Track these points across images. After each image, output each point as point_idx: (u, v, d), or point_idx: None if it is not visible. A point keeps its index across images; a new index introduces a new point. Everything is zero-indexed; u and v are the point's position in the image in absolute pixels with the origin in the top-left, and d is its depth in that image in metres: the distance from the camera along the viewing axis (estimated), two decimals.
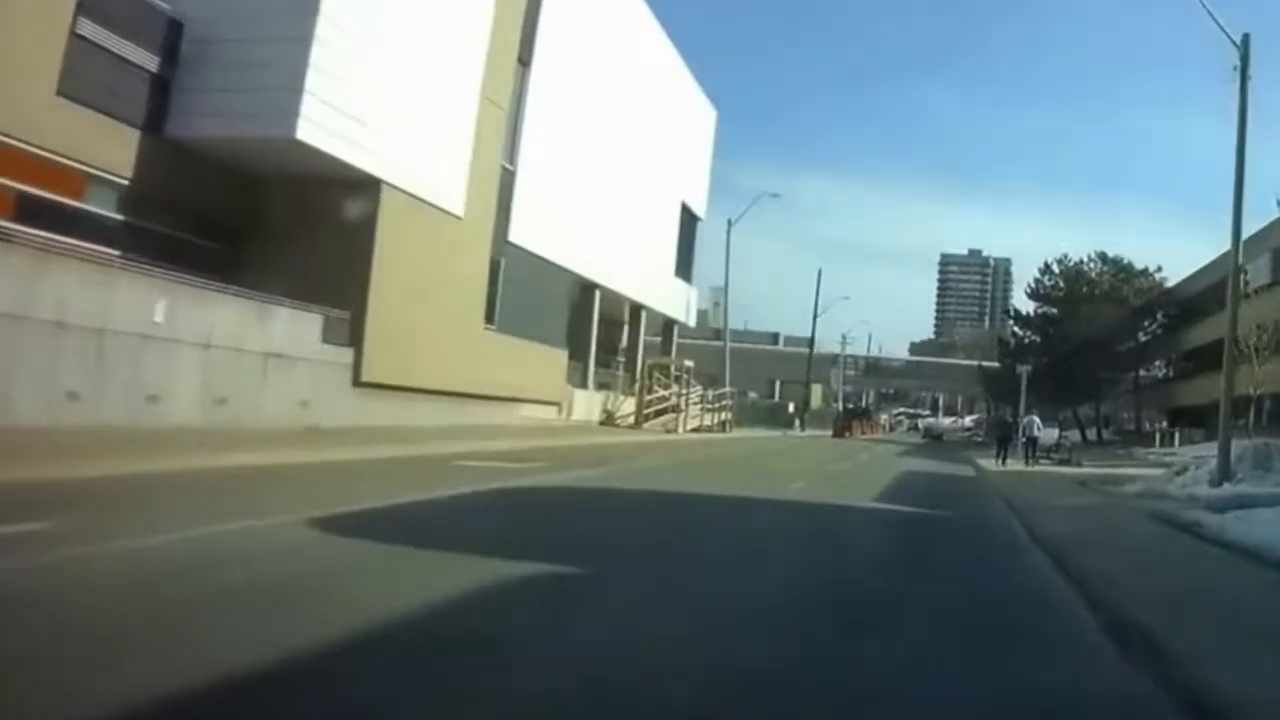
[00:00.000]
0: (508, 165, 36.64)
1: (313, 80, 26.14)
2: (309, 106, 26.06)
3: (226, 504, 12.24)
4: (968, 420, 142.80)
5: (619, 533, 12.93)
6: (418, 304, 30.66)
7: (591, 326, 46.14)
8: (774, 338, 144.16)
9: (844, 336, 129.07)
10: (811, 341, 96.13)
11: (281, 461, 18.82)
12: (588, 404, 45.97)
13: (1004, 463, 41.83)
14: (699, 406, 55.18)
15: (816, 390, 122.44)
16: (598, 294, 46.18)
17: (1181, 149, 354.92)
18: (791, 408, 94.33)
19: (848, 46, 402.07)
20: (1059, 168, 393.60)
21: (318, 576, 8.44)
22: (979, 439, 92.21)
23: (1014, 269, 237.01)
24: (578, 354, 44.94)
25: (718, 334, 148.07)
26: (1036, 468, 40.69)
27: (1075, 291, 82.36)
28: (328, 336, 27.85)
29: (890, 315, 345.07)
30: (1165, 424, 77.25)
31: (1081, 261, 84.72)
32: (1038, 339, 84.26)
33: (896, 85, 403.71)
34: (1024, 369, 49.45)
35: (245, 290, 25.53)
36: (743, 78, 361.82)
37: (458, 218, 32.72)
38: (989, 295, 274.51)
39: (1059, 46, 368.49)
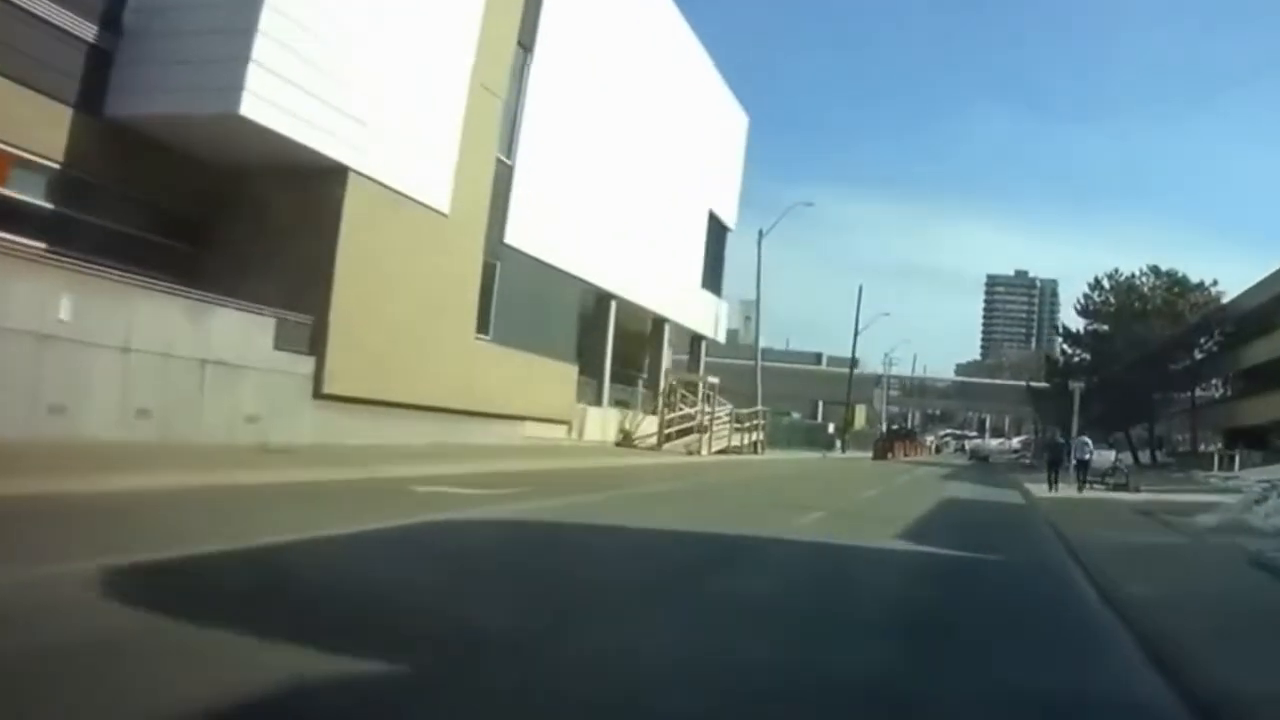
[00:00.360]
0: (505, 159, 32.69)
1: (261, 49, 22.36)
2: (256, 79, 22.26)
3: (53, 540, 9.78)
4: (1015, 442, 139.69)
5: (534, 598, 9.14)
6: (394, 309, 26.85)
7: (607, 340, 42.00)
8: (817, 358, 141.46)
9: (886, 356, 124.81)
10: (852, 359, 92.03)
11: (191, 484, 15.43)
12: (603, 423, 41.92)
13: (1055, 488, 37.58)
14: (727, 426, 50.85)
15: (861, 411, 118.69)
16: (614, 305, 42.07)
17: (1241, 170, 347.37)
18: (831, 428, 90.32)
19: (893, 70, 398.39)
20: (1109, 189, 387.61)
21: (66, 655, 5.91)
22: (1026, 461, 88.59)
23: (1061, 290, 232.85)
24: (591, 369, 40.97)
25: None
26: (1090, 494, 36.39)
27: (1127, 307, 77.74)
28: (282, 343, 24.03)
29: (937, 337, 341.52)
30: (1222, 445, 72.95)
31: (1134, 275, 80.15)
32: (1088, 357, 79.66)
33: (943, 107, 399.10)
34: (1076, 385, 44.89)
35: (178, 287, 21.79)
36: (786, 99, 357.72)
37: (442, 214, 28.81)
38: (1036, 317, 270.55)
39: (1110, 68, 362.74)
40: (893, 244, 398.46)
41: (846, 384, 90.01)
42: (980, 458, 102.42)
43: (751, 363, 67.73)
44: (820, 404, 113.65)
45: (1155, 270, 79.57)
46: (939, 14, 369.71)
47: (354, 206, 25.41)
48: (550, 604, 8.84)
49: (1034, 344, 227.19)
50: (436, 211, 28.57)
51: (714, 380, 49.71)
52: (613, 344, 42.48)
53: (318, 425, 24.76)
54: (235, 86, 22.01)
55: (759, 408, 56.96)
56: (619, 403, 44.32)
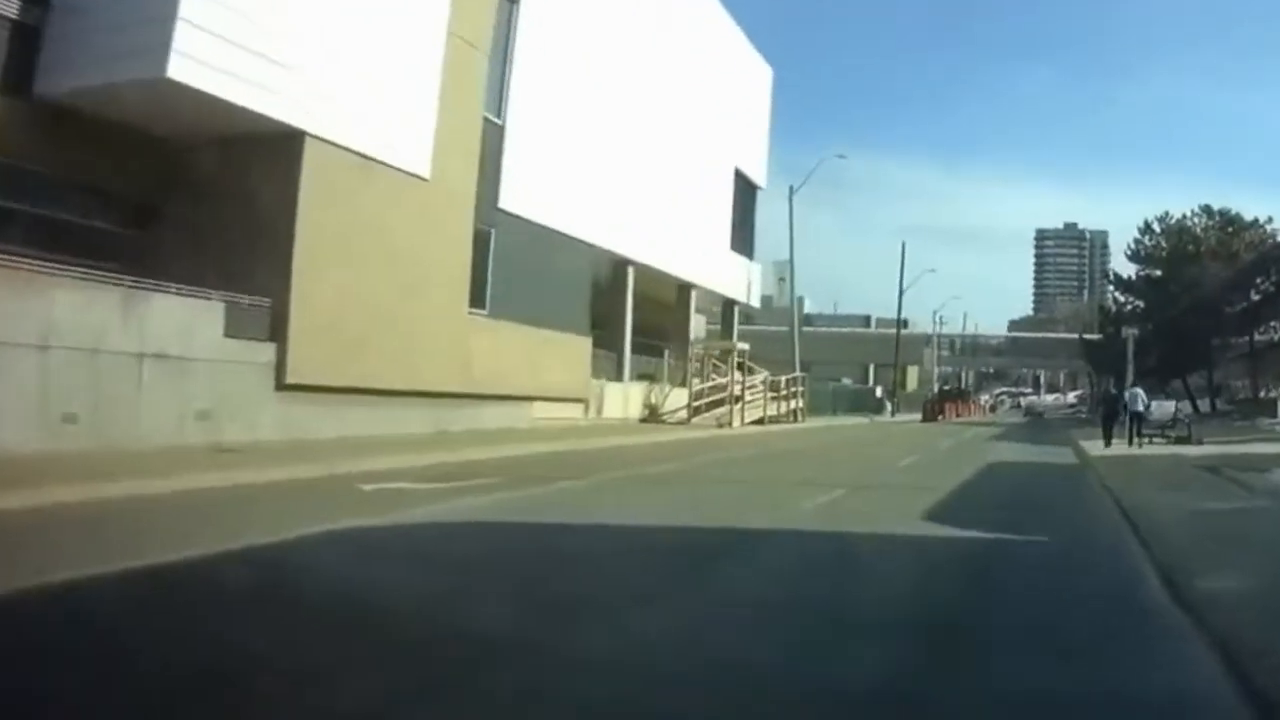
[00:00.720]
0: (494, 118, 29.77)
1: (189, 5, 19.68)
2: (185, 38, 19.56)
3: None
4: (1070, 397, 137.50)
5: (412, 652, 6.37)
6: (370, 285, 24.18)
7: (625, 309, 39.07)
8: (866, 320, 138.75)
9: (935, 314, 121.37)
10: (899, 318, 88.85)
11: (94, 497, 12.97)
12: (625, 399, 39.03)
13: (1110, 444, 34.44)
14: (763, 394, 47.55)
15: (913, 372, 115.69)
16: (631, 271, 39.07)
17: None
18: (879, 391, 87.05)
19: (927, 30, 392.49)
20: (1152, 136, 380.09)
21: None
22: (1083, 415, 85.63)
23: (1111, 240, 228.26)
24: (610, 342, 38.14)
25: (807, 320, 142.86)
26: (1149, 449, 33.19)
27: (1180, 250, 73.68)
28: (234, 329, 21.32)
29: (988, 296, 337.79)
30: None
31: (1185, 217, 76.03)
32: (1141, 304, 75.63)
33: (980, 65, 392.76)
34: (1130, 332, 41.39)
35: (106, 274, 19.23)
36: (822, 67, 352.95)
37: (422, 179, 26.02)
38: (1087, 269, 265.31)
39: (1141, 16, 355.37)
40: (939, 204, 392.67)
41: (896, 347, 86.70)
42: (1035, 414, 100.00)
43: (778, 328, 64.57)
44: (871, 367, 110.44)
45: (1207, 210, 75.35)
46: None
47: (313, 174, 22.73)
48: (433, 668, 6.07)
49: (1086, 296, 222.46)
50: (415, 176, 25.77)
51: (744, 346, 46.20)
52: (633, 313, 39.53)
53: (282, 419, 22.14)
54: (161, 48, 19.39)
55: (797, 373, 53.66)
56: (643, 376, 41.42)
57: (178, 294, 20.16)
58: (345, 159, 23.55)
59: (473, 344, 28.15)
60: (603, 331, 37.45)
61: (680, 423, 40.24)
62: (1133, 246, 78.27)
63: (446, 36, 26.83)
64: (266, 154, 22.09)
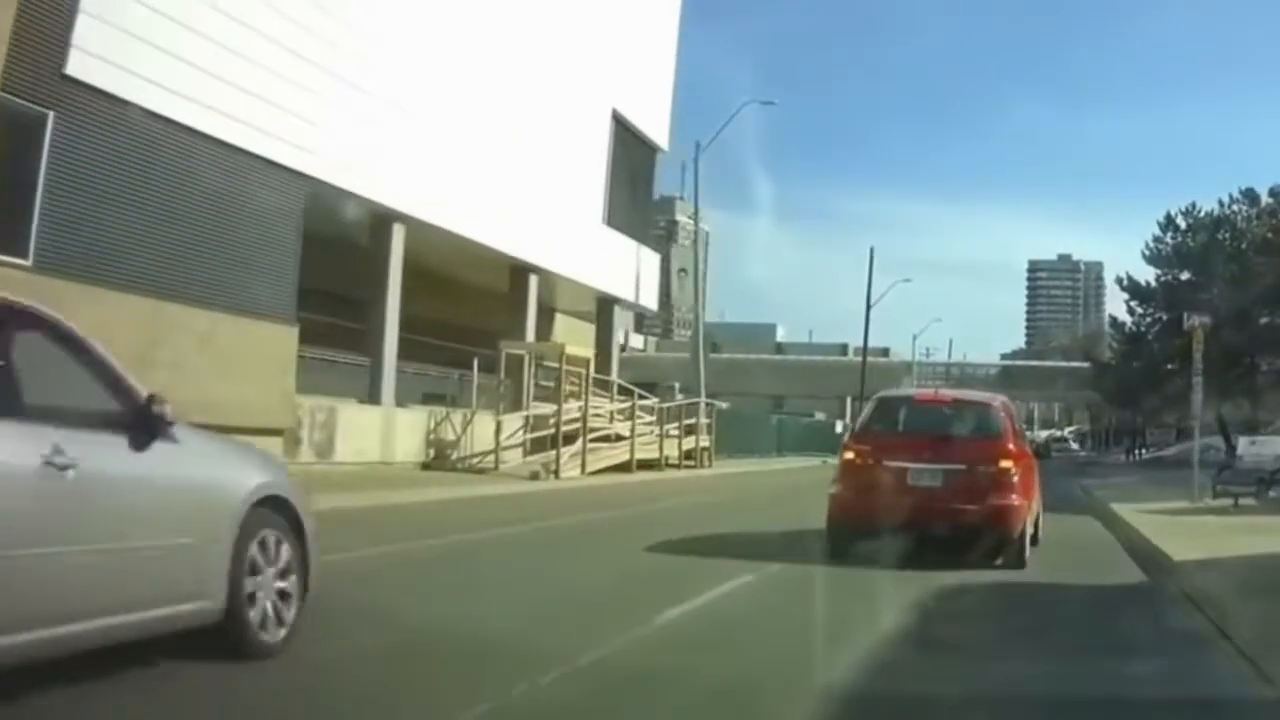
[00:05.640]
0: None
1: None
2: None
3: None
4: (1068, 433, 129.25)
5: None
6: None
7: (386, 291, 26.12)
8: (843, 349, 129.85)
9: (915, 338, 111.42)
10: (865, 337, 77.52)
11: None
12: (383, 430, 25.93)
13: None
14: (630, 426, 33.18)
15: None
16: (400, 231, 26.22)
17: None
18: (841, 426, 75.40)
19: (921, 65, 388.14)
20: (1147, 169, 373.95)
21: None
22: (1082, 455, 75.84)
23: (1106, 272, 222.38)
24: (363, 342, 25.53)
25: (779, 348, 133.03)
26: (1234, 516, 20.50)
27: (1214, 247, 60.93)
28: None
29: (979, 329, 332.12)
30: None
31: (1221, 205, 63.28)
32: (1163, 316, 62.56)
33: (971, 99, 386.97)
34: (1199, 320, 27.56)
35: None
36: (815, 102, 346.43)
37: None
38: (1081, 301, 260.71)
39: (1136, 49, 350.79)
40: (929, 239, 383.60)
41: (882, 377, 74.84)
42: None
43: (746, 355, 51.75)
44: (849, 400, 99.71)
45: (1249, 195, 62.52)
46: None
47: None
48: None
49: (1080, 329, 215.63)
50: None
51: (582, 353, 31.42)
52: (411, 300, 26.44)
53: None
54: None
55: (701, 399, 39.98)
56: (431, 397, 28.46)
57: None
58: None
59: None
60: (354, 326, 24.90)
61: (481, 471, 26.93)
62: (1151, 246, 65.40)
63: None
64: None
